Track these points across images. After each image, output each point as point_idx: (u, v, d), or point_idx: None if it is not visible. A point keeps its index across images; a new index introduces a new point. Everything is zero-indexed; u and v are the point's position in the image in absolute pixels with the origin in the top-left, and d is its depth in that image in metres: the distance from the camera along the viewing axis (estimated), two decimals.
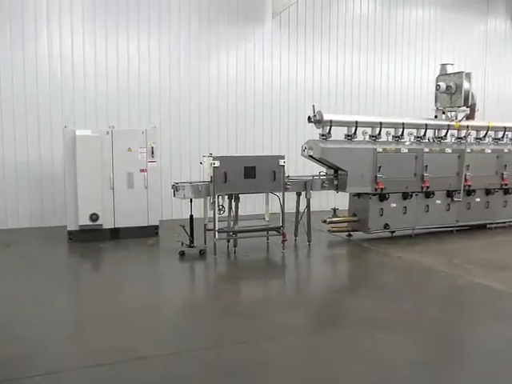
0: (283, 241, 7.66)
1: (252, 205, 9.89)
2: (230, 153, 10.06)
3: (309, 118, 8.15)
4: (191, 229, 7.56)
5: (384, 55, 12.44)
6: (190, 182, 7.64)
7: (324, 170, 8.59)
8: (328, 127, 8.07)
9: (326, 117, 8.05)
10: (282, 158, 7.55)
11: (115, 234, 8.50)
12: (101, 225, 8.31)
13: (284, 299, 5.88)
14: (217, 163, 7.16)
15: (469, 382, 3.75)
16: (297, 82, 11.55)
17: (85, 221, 8.20)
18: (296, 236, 8.35)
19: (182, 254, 7.41)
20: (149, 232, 8.64)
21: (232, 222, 7.62)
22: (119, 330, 4.61)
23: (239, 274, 6.90)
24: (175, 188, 7.44)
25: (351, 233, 8.73)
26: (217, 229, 7.32)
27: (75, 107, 9.71)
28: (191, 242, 7.54)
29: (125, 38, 10.02)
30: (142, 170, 8.58)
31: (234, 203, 7.57)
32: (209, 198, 7.52)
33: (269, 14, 11.15)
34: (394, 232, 8.71)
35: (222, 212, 7.45)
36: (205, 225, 7.74)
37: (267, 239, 8.14)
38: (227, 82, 10.93)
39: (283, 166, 7.50)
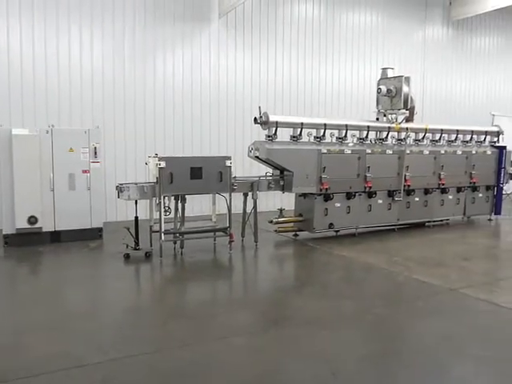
0: (230, 241, 7.68)
1: (199, 206, 9.84)
2: (176, 153, 9.95)
3: (255, 119, 8.21)
4: (136, 231, 7.41)
5: (329, 58, 12.74)
6: (135, 183, 7.51)
7: (271, 170, 8.68)
8: (274, 128, 8.16)
9: (272, 118, 8.14)
10: (229, 158, 7.56)
11: (56, 237, 8.18)
12: (40, 228, 7.97)
13: (231, 300, 5.90)
14: (162, 164, 7.05)
15: (409, 374, 3.90)
16: (244, 83, 11.60)
17: (22, 224, 7.83)
18: (243, 237, 8.38)
19: (127, 256, 7.25)
20: (92, 234, 8.39)
21: (178, 224, 7.54)
22: (59, 337, 4.44)
23: (185, 275, 6.84)
24: (119, 189, 7.26)
25: (297, 233, 8.87)
26: (163, 230, 7.21)
27: (11, 105, 9.24)
28: (136, 244, 7.40)
29: (66, 33, 9.65)
30: (84, 171, 8.30)
31: (180, 204, 7.49)
32: (154, 199, 7.41)
33: (215, 14, 11.12)
34: (338, 231, 8.94)
35: (168, 213, 7.35)
36: (151, 226, 7.60)
37: (214, 240, 8.13)
38: (173, 81, 10.80)
39: (230, 166, 7.51)
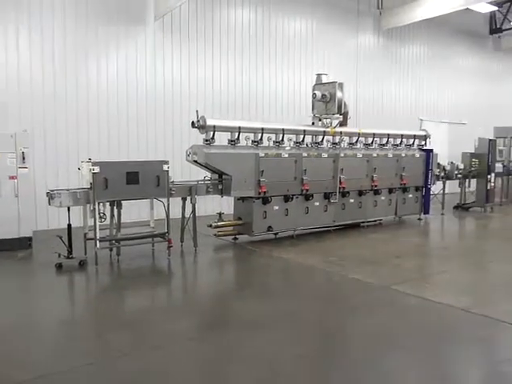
0: (169, 247, 7.56)
1: (136, 211, 9.60)
2: (111, 158, 9.66)
3: (192, 123, 8.16)
4: (69, 239, 7.11)
5: (265, 62, 12.92)
6: (67, 189, 7.20)
7: (209, 174, 8.65)
8: (212, 132, 8.15)
9: (210, 122, 8.12)
10: (166, 162, 7.45)
11: None
12: None
13: (169, 306, 5.82)
14: (96, 169, 6.83)
15: (346, 369, 4.02)
16: (181, 87, 11.49)
17: None
18: (182, 242, 8.29)
19: (59, 266, 6.94)
20: (20, 244, 7.95)
21: (114, 230, 7.33)
22: None
23: (122, 283, 6.65)
24: (50, 196, 6.95)
25: (237, 236, 8.90)
26: (98, 237, 6.98)
27: None
28: (69, 252, 7.10)
29: None
30: (11, 177, 7.88)
31: (116, 210, 7.29)
32: (88, 205, 7.15)
33: (151, 17, 10.95)
34: (277, 234, 9.07)
35: (103, 220, 7.13)
36: (85, 234, 7.33)
37: (152, 246, 7.97)
38: (107, 84, 10.49)
39: (167, 171, 7.41)
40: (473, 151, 13.38)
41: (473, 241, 10.21)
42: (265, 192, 8.48)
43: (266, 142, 8.83)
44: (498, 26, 19.32)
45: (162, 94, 11.22)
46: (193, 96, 11.57)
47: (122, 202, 7.28)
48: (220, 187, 8.40)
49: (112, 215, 7.27)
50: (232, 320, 5.12)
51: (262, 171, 8.47)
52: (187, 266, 7.75)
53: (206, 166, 8.38)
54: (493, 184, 13.40)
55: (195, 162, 8.23)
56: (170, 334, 4.71)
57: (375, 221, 10.92)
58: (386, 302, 5.75)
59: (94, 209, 6.93)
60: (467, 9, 15.31)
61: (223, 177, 8.38)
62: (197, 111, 8.19)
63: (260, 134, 8.72)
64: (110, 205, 7.23)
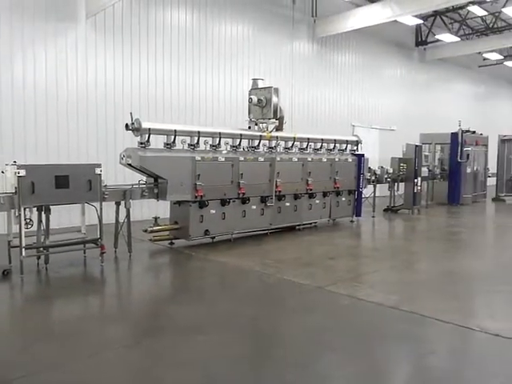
0: (102, 253, 7.31)
1: (67, 217, 9.20)
2: (39, 161, 9.17)
3: (126, 125, 7.95)
4: None
5: (202, 66, 12.86)
6: None
7: (144, 178, 8.47)
8: (147, 135, 7.99)
9: (145, 125, 7.96)
10: (99, 166, 7.20)
11: None
12: None
13: (102, 314, 5.62)
14: (22, 172, 6.46)
15: (280, 371, 4.06)
16: (115, 88, 11.17)
17: None
18: (116, 247, 8.04)
19: None
20: None
21: (42, 237, 6.97)
22: None
23: (51, 292, 6.33)
24: None
25: (173, 241, 8.77)
26: (23, 245, 6.60)
27: None
28: None
29: None
30: None
31: (44, 216, 6.94)
32: (13, 211, 6.75)
33: (82, 15, 10.56)
34: (214, 238, 9.03)
35: (29, 226, 6.76)
36: (9, 241, 6.91)
37: (84, 253, 7.67)
38: (34, 83, 9.98)
39: (100, 174, 7.16)
40: (401, 156, 14.08)
41: (401, 241, 10.72)
42: (201, 196, 8.43)
43: (202, 146, 8.79)
44: (423, 39, 20.53)
45: (94, 95, 10.84)
46: (127, 98, 11.28)
47: (51, 207, 6.94)
48: (156, 191, 8.24)
49: (40, 221, 6.92)
50: (168, 325, 5.03)
51: (199, 175, 8.41)
52: (121, 272, 7.53)
53: (140, 170, 8.20)
54: (419, 187, 14.18)
55: (129, 165, 8.02)
56: (103, 341, 4.55)
57: (310, 223, 11.18)
58: (321, 302, 5.89)
59: (20, 214, 6.56)
60: (396, 21, 16.16)
61: (159, 180, 8.23)
62: (131, 113, 8.00)
63: (196, 138, 8.66)
64: (38, 210, 6.88)
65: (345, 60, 17.53)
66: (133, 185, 8.08)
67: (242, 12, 13.71)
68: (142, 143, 7.99)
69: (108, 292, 6.67)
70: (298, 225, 10.74)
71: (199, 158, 8.50)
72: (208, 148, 8.88)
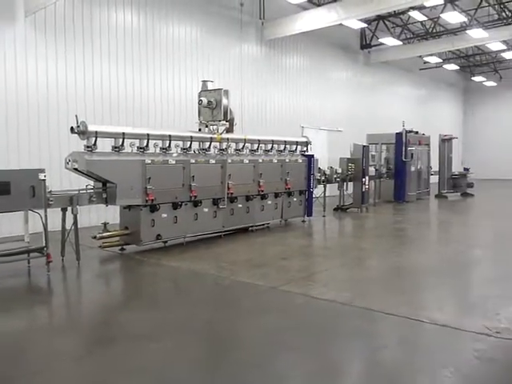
0: (48, 262, 6.99)
1: (8, 225, 8.75)
2: None
3: (72, 128, 7.67)
4: None
5: (150, 68, 12.62)
6: None
7: (92, 182, 8.20)
8: (93, 138, 7.74)
9: (91, 128, 7.70)
10: (42, 171, 6.89)
11: None
12: None
13: (49, 326, 5.38)
14: None
15: (236, 373, 4.03)
16: (57, 89, 10.73)
17: None
18: (63, 256, 7.72)
19: None
20: None
21: None
22: None
23: None
24: None
25: (124, 247, 8.53)
26: None
27: None
28: None
29: None
30: None
31: None
32: None
33: (21, 13, 10.08)
34: (166, 242, 8.88)
35: None
36: None
37: (28, 263, 7.29)
38: None
39: (44, 180, 6.86)
40: (349, 156, 14.43)
41: (351, 239, 10.99)
42: (152, 200, 8.26)
43: (152, 149, 8.62)
44: (367, 42, 21.17)
45: (35, 97, 10.37)
46: (72, 100, 10.88)
47: None
48: (104, 196, 7.99)
49: None
50: (120, 333, 4.88)
51: (149, 178, 8.24)
52: (70, 281, 7.24)
53: (87, 174, 7.93)
54: (367, 186, 14.59)
55: (75, 169, 7.75)
56: (52, 354, 4.37)
57: (263, 224, 11.23)
58: (276, 302, 5.92)
59: None
60: (341, 24, 16.56)
61: (107, 185, 7.99)
62: (76, 116, 7.71)
63: (146, 141, 8.48)
64: None
65: (293, 62, 17.77)
66: (80, 190, 7.80)
67: (189, 14, 13.58)
68: (88, 147, 7.73)
69: (55, 302, 6.40)
70: (251, 226, 10.75)
71: (149, 161, 8.32)
72: (158, 151, 8.72)
